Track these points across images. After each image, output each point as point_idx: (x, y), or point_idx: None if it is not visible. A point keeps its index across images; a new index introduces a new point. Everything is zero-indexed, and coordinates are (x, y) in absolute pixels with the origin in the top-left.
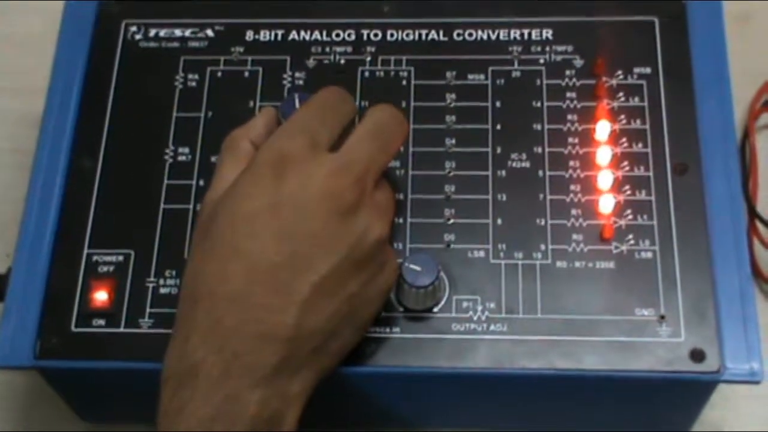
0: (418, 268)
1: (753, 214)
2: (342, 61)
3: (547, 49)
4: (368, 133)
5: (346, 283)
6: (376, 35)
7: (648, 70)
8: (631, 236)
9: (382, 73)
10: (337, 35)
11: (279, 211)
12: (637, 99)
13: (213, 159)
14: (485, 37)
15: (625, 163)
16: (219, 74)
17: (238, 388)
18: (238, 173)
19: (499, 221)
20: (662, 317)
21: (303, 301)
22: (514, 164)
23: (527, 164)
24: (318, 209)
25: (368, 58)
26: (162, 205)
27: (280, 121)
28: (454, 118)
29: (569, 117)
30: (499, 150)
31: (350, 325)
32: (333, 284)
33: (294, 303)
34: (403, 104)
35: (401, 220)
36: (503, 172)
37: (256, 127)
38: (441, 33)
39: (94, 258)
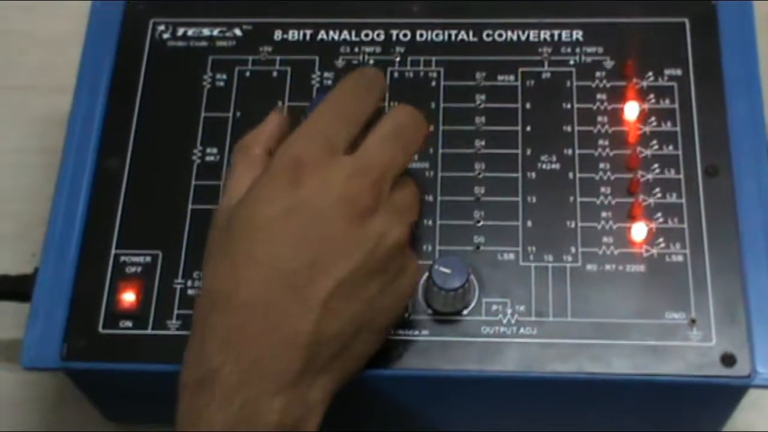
0: (447, 271)
1: None
2: (371, 62)
3: (577, 50)
4: (387, 134)
5: (364, 287)
6: (405, 35)
7: (678, 71)
8: (661, 239)
9: (411, 74)
10: (366, 35)
11: (295, 217)
12: (667, 101)
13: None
14: (515, 38)
15: (656, 165)
16: (247, 74)
17: (258, 396)
18: (251, 179)
19: (529, 223)
20: (693, 321)
21: (321, 307)
22: (544, 166)
23: (557, 166)
24: (335, 214)
25: (397, 59)
26: (190, 206)
27: (299, 121)
28: (483, 119)
29: (599, 119)
30: (529, 152)
31: (369, 329)
32: (351, 289)
33: (312, 309)
34: (433, 105)
35: (431, 222)
36: (533, 174)
37: (267, 132)
38: (471, 34)
39: (122, 259)
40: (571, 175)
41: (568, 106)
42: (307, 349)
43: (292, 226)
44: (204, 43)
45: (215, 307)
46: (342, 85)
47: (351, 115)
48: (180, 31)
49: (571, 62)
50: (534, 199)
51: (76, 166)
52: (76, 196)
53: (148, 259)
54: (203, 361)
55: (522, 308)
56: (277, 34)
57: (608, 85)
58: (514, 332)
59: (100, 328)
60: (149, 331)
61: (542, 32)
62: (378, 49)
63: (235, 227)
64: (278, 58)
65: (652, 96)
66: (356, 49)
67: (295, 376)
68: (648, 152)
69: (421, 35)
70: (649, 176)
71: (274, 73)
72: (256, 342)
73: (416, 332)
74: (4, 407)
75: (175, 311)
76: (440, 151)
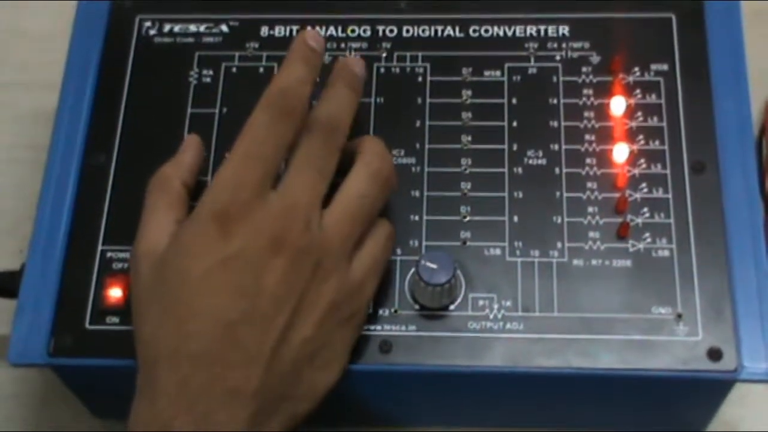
0: (434, 266)
1: None
2: (357, 57)
3: (564, 45)
4: (302, 163)
5: (307, 326)
6: (391, 31)
7: (665, 67)
8: (648, 234)
9: (397, 70)
10: (353, 31)
11: (230, 268)
12: (654, 96)
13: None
14: (501, 33)
15: (642, 160)
16: (234, 70)
17: None
18: (173, 221)
19: (516, 219)
20: (679, 316)
21: (265, 357)
22: (530, 161)
23: (543, 161)
24: (268, 259)
25: (384, 54)
26: None
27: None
28: (470, 114)
29: (586, 114)
30: (515, 147)
31: (319, 367)
32: (294, 332)
33: (257, 359)
34: (419, 101)
35: (417, 218)
36: (519, 170)
37: (185, 163)
38: (457, 29)
39: (109, 255)
40: (557, 170)
41: (555, 101)
42: (255, 398)
43: (227, 278)
44: (190, 40)
45: (160, 363)
46: (256, 115)
47: (271, 147)
48: (166, 28)
49: (558, 57)
50: (520, 195)
51: (63, 162)
52: (63, 193)
53: None
54: (155, 416)
55: (508, 303)
56: (264, 30)
57: (594, 81)
58: (500, 327)
59: (87, 324)
60: None
61: (528, 27)
62: (364, 45)
63: (170, 279)
64: (265, 54)
65: (638, 91)
66: (342, 45)
67: (246, 425)
68: (634, 147)
69: (408, 31)
70: (636, 171)
71: (261, 69)
72: (205, 393)
73: (403, 327)
74: None
75: None
76: (426, 146)
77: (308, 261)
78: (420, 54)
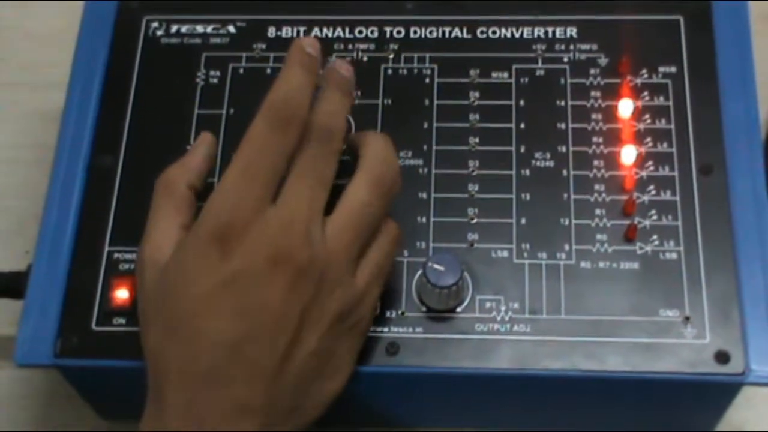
0: (441, 268)
1: None
2: (365, 59)
3: (572, 47)
4: (300, 173)
5: (311, 339)
6: (399, 32)
7: (673, 69)
8: (655, 237)
9: (405, 71)
10: (360, 32)
11: (232, 288)
12: (662, 98)
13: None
14: (509, 35)
15: (650, 162)
16: (241, 71)
17: None
18: (177, 226)
19: (523, 221)
20: (687, 318)
21: (272, 369)
22: (538, 163)
23: (551, 163)
24: (269, 278)
25: (391, 56)
26: None
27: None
28: (477, 116)
29: (593, 116)
30: (522, 149)
31: (324, 379)
32: (297, 346)
33: (262, 372)
34: (426, 102)
35: (424, 220)
36: (527, 172)
37: (192, 166)
38: (465, 30)
39: (115, 256)
40: (565, 172)
41: (562, 103)
42: (263, 413)
43: (229, 299)
44: (197, 40)
45: (167, 381)
46: (256, 124)
47: (271, 158)
48: (173, 28)
49: (565, 59)
50: (528, 197)
51: (70, 162)
52: (70, 193)
53: None
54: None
55: (516, 305)
56: (271, 31)
57: (602, 83)
58: (507, 329)
59: (93, 325)
60: None
61: (536, 29)
62: (372, 46)
63: (173, 301)
64: (272, 55)
65: (646, 93)
66: (350, 46)
67: None
68: (642, 149)
69: (415, 32)
70: (644, 174)
71: (268, 70)
72: (212, 410)
73: (410, 330)
74: None
75: None
76: (434, 148)
77: (311, 275)
78: (427, 55)
